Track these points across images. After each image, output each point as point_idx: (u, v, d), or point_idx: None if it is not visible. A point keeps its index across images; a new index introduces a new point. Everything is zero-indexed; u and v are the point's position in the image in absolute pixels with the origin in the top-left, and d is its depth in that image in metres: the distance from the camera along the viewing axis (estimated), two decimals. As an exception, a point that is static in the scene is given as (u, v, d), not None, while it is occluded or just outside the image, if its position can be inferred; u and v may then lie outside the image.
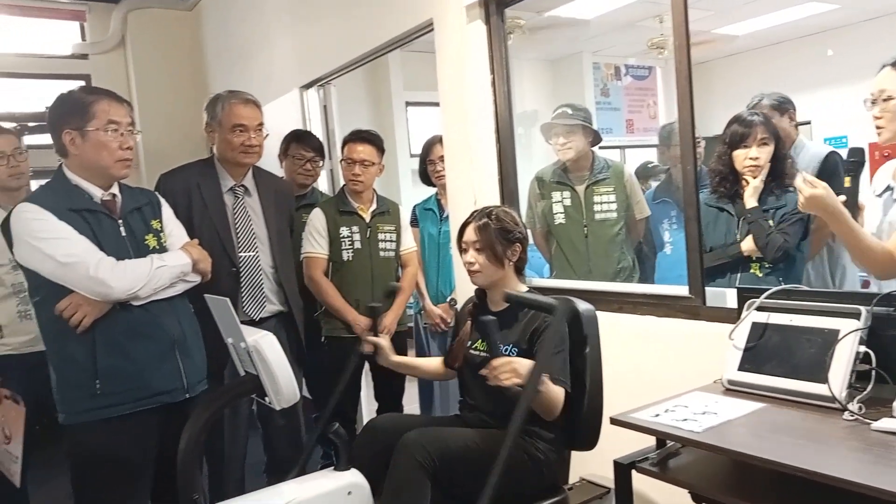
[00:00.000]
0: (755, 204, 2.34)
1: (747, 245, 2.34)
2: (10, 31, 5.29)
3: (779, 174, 2.35)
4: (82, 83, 5.36)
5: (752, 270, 2.36)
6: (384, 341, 2.23)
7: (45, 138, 2.04)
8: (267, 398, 1.64)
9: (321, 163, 3.45)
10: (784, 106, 2.64)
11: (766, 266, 2.32)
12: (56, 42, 5.43)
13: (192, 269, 2.08)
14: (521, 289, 2.09)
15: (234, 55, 4.88)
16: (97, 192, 1.98)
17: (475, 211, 2.12)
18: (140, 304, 1.95)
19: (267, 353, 1.57)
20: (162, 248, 2.08)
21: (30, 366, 2.53)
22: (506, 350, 1.96)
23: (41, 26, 5.39)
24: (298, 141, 3.36)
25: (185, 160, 2.70)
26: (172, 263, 2.02)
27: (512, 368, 1.74)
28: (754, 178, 2.33)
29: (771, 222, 2.32)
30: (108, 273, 1.85)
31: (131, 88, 5.38)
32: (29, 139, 3.05)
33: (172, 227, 2.18)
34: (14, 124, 3.49)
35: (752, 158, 2.33)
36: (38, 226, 1.85)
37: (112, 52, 5.39)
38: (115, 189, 2.04)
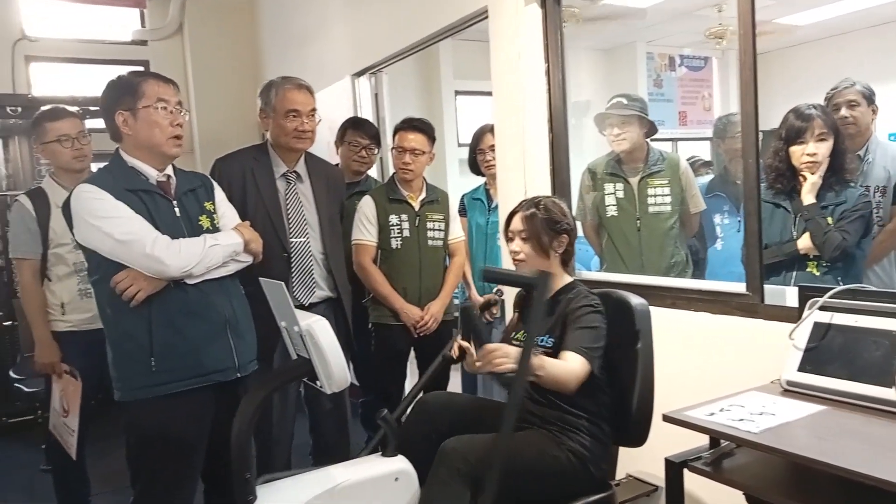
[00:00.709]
0: (813, 201, 2.26)
1: (804, 243, 2.27)
2: (75, 17, 5.46)
3: (838, 169, 2.27)
4: (140, 68, 5.51)
5: (808, 269, 2.29)
6: (471, 348, 2.01)
7: (106, 122, 2.10)
8: (318, 382, 1.65)
9: (376, 151, 3.46)
10: (872, 97, 2.53)
11: (824, 264, 2.25)
12: (117, 28, 5.58)
13: (243, 250, 2.11)
14: (565, 280, 2.06)
15: (288, 42, 4.93)
16: (152, 173, 2.03)
17: (524, 200, 2.10)
18: (193, 284, 1.98)
19: (320, 337, 1.58)
20: (215, 229, 2.11)
21: (89, 342, 2.61)
22: (542, 341, 1.94)
23: (103, 13, 5.55)
24: (355, 128, 3.38)
25: (240, 145, 2.74)
26: (225, 243, 2.05)
27: (503, 352, 1.71)
28: (812, 174, 2.25)
29: (830, 220, 2.24)
30: (164, 251, 1.89)
31: (188, 74, 5.51)
32: (91, 123, 3.13)
33: (225, 209, 2.21)
34: (77, 108, 3.59)
35: (810, 154, 2.26)
36: (97, 205, 1.90)
37: (170, 39, 5.52)
38: (169, 171, 2.08)
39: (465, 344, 2.05)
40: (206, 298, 2.01)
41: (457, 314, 3.45)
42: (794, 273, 2.30)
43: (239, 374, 2.08)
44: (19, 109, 4.52)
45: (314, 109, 2.63)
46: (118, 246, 1.89)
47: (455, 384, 3.42)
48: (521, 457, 1.82)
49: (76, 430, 2.67)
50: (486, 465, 1.72)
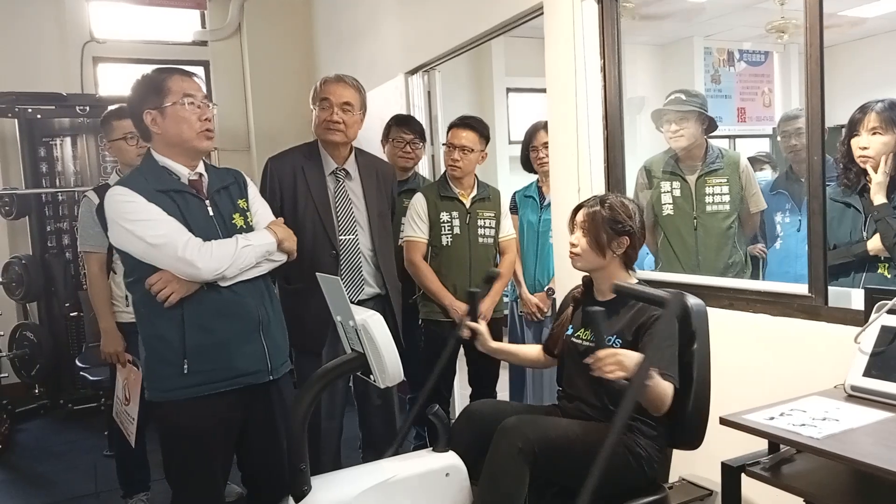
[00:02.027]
0: (884, 200, 2.17)
1: (874, 244, 2.19)
2: (139, 19, 5.66)
3: None
4: (202, 69, 5.67)
5: (879, 271, 2.20)
6: (482, 327, 2.23)
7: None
8: (372, 376, 1.67)
9: (422, 146, 3.47)
10: None
11: None
12: (179, 29, 5.75)
13: (276, 249, 2.07)
14: (630, 281, 2.04)
15: (342, 41, 5.00)
16: (184, 171, 1.99)
17: (594, 195, 2.11)
18: (227, 286, 1.95)
19: (375, 332, 1.60)
20: (249, 228, 2.08)
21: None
22: (609, 341, 1.92)
23: (165, 14, 5.73)
24: (399, 124, 3.40)
25: (296, 143, 2.78)
26: (258, 243, 2.01)
27: (617, 360, 1.69)
28: (874, 170, 2.17)
29: None
30: (195, 254, 1.87)
31: (245, 73, 5.64)
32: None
33: (258, 206, 2.17)
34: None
35: (862, 148, 2.20)
36: (129, 208, 1.88)
37: (230, 39, 5.65)
38: (200, 168, 2.04)
39: (474, 325, 2.18)
40: (239, 300, 1.99)
41: (506, 312, 3.45)
42: (864, 275, 2.22)
43: (272, 377, 2.06)
44: (87, 109, 4.72)
45: (348, 103, 2.57)
46: (150, 249, 1.87)
47: (503, 385, 3.42)
48: (582, 443, 1.81)
49: (136, 418, 2.77)
50: (547, 445, 1.75)
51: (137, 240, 1.88)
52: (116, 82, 5.50)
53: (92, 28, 5.41)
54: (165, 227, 1.88)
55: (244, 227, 2.06)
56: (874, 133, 2.19)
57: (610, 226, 1.98)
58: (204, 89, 2.04)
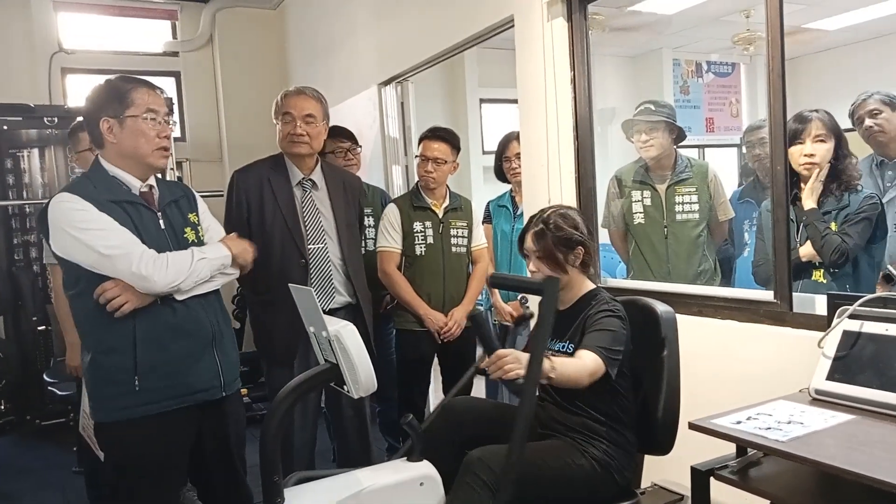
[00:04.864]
0: (813, 205, 2.23)
1: (805, 249, 2.24)
2: (109, 30, 5.60)
3: (839, 174, 2.24)
4: (173, 79, 5.62)
5: (814, 277, 2.25)
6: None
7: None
8: (345, 387, 1.67)
9: (359, 150, 3.46)
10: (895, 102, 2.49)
11: (831, 271, 2.20)
12: (149, 40, 5.70)
13: (231, 263, 2.02)
14: (587, 287, 2.04)
15: (316, 53, 5.00)
16: (135, 183, 1.93)
17: (533, 216, 2.07)
18: (181, 300, 1.90)
19: (348, 342, 1.60)
20: (200, 242, 2.03)
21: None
22: (563, 347, 1.94)
23: (136, 25, 5.68)
24: (332, 136, 3.29)
25: (268, 155, 2.76)
26: (213, 256, 1.96)
27: (514, 358, 1.70)
28: (811, 177, 2.22)
29: (833, 225, 2.20)
30: (150, 266, 1.81)
31: (217, 84, 5.61)
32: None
33: (209, 221, 2.14)
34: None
35: (807, 155, 2.22)
36: (79, 216, 1.81)
37: (201, 50, 5.62)
38: (151, 181, 1.98)
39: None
40: (192, 315, 1.93)
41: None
42: (801, 282, 2.25)
43: (224, 393, 2.02)
44: (56, 120, 4.64)
45: (311, 115, 2.58)
46: (102, 259, 1.80)
47: (479, 389, 3.43)
48: (546, 466, 1.82)
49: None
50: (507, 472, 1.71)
51: (88, 249, 1.80)
52: (85, 94, 5.42)
53: (60, 38, 5.34)
54: (119, 237, 1.82)
55: (196, 241, 2.01)
56: (819, 140, 2.23)
57: (562, 244, 1.97)
58: (167, 106, 1.99)
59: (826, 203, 2.24)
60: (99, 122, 1.89)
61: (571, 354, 1.89)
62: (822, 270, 2.23)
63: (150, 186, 1.98)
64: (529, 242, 2.02)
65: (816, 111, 2.28)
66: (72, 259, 1.85)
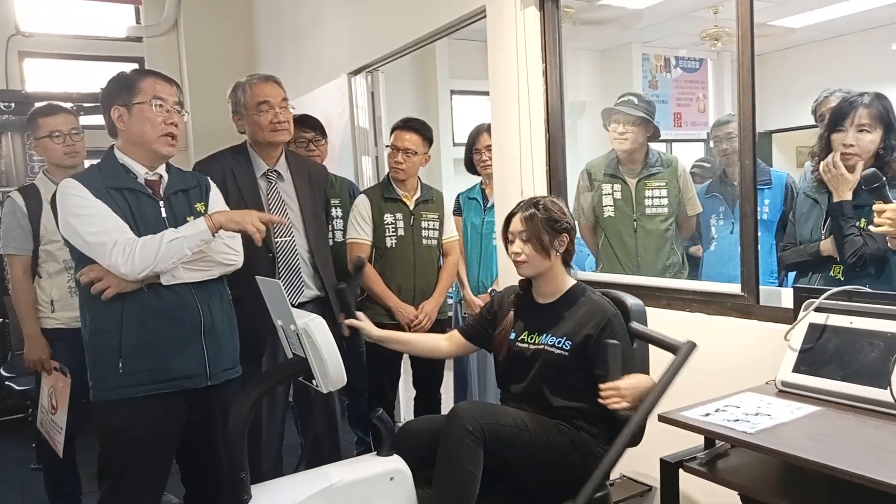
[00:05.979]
0: (845, 198, 2.06)
1: (826, 244, 2.12)
2: (69, 13, 5.43)
3: (883, 167, 1.99)
4: (136, 65, 5.48)
5: (832, 273, 2.13)
6: (360, 321, 2.19)
7: (100, 119, 2.07)
8: (314, 381, 1.65)
9: (324, 142, 3.38)
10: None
11: (856, 270, 2.06)
12: (112, 25, 5.55)
13: (212, 235, 1.94)
14: (569, 281, 2.07)
15: (285, 40, 4.92)
16: (141, 171, 1.98)
17: (522, 201, 2.09)
18: (168, 286, 1.93)
19: (317, 336, 1.58)
20: None
21: (78, 340, 2.56)
22: (558, 342, 1.95)
23: (98, 9, 5.52)
24: (297, 124, 3.30)
25: (234, 143, 2.70)
26: (188, 233, 1.91)
27: (620, 395, 1.77)
28: (851, 170, 2.05)
29: (863, 221, 2.02)
30: (119, 258, 1.84)
31: (183, 71, 5.48)
32: (84, 119, 3.11)
33: (219, 209, 2.13)
34: (70, 104, 3.57)
35: (846, 145, 2.05)
36: (75, 202, 1.88)
37: (166, 36, 5.48)
38: (161, 170, 2.03)
39: (353, 322, 2.18)
40: (181, 302, 1.95)
41: (450, 314, 3.46)
42: (819, 276, 2.17)
43: (210, 383, 2.01)
44: (13, 105, 4.50)
45: (285, 100, 2.57)
46: (86, 246, 1.88)
47: (447, 385, 3.43)
48: (531, 433, 1.85)
49: (64, 427, 2.65)
50: (496, 433, 1.79)
51: (76, 234, 1.88)
52: (44, 78, 5.27)
53: (17, 21, 5.17)
54: (102, 225, 1.87)
55: None
56: (862, 130, 2.05)
57: (550, 225, 1.99)
58: (178, 96, 2.03)
59: (861, 196, 2.03)
60: (111, 110, 1.97)
61: (567, 352, 1.93)
62: (841, 267, 2.11)
63: (160, 175, 2.03)
64: (517, 224, 2.03)
65: (864, 95, 2.08)
66: (71, 242, 1.93)
